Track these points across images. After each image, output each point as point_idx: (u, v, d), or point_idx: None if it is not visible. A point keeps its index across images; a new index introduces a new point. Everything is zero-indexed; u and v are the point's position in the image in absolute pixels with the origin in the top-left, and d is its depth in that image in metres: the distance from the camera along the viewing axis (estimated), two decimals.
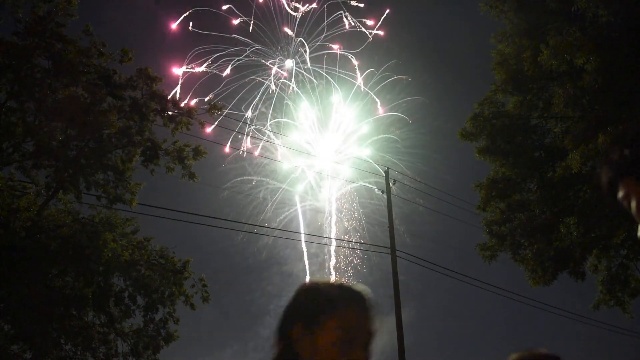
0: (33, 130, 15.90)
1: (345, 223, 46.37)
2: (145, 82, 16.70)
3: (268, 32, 47.11)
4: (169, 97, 17.02)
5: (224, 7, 45.29)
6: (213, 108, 17.60)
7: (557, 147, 14.04)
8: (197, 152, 17.11)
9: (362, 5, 46.33)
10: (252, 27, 45.63)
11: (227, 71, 44.06)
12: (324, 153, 45.13)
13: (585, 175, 12.98)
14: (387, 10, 46.55)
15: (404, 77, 46.31)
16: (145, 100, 16.83)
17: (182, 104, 17.46)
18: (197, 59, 43.44)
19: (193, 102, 27.96)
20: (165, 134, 17.04)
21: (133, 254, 18.36)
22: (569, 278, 15.36)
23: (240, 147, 41.42)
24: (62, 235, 16.86)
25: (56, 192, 16.72)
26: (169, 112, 16.74)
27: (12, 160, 16.23)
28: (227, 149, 40.03)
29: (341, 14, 46.38)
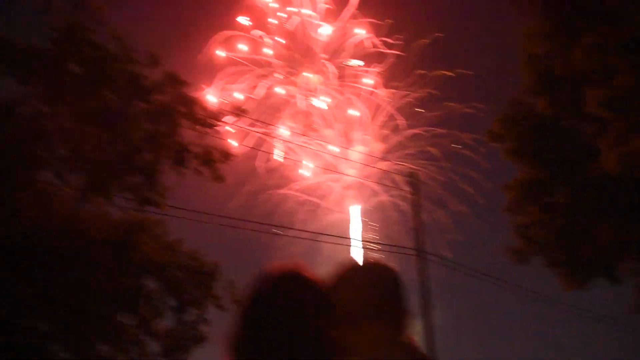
0: (67, 136, 16.33)
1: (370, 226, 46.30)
2: (174, 86, 16.93)
3: (294, 52, 47.49)
4: (199, 102, 17.23)
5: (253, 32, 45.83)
6: (239, 111, 17.79)
7: (591, 148, 13.69)
8: (225, 155, 17.27)
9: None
10: (275, 48, 46.09)
11: (258, 91, 44.54)
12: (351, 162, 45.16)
13: (621, 177, 12.62)
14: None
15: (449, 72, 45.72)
16: (173, 104, 17.08)
17: (213, 111, 17.62)
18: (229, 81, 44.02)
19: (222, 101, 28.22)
20: (195, 137, 17.27)
21: (164, 256, 18.69)
22: (602, 282, 14.98)
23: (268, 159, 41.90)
24: (96, 237, 17.30)
25: (88, 196, 17.10)
26: (199, 117, 16.94)
27: (48, 165, 16.67)
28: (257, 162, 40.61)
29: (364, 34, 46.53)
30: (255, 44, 47.32)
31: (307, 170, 45.76)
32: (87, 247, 17.12)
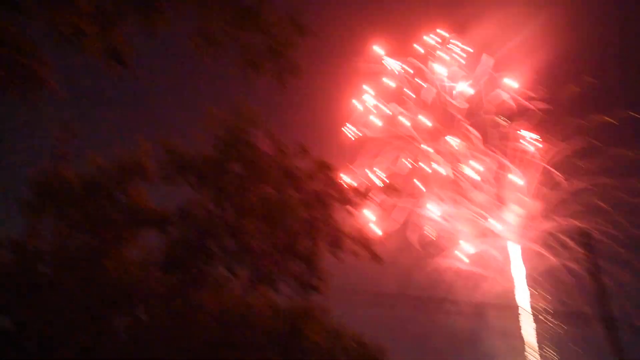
0: (233, 231, 17.61)
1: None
2: (324, 173, 17.64)
3: (433, 121, 47.64)
4: (347, 184, 17.71)
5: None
6: (392, 189, 17.89)
7: None
8: (380, 233, 17.31)
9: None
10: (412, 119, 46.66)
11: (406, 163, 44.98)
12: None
13: None
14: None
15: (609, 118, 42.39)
16: (325, 190, 17.73)
17: (362, 190, 17.97)
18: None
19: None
20: (349, 218, 17.62)
21: (330, 342, 18.71)
22: None
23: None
24: (264, 327, 17.96)
25: (256, 286, 17.99)
26: (349, 199, 17.34)
27: (219, 259, 17.97)
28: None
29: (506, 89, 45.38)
30: (390, 117, 48.25)
31: (464, 239, 44.01)
32: (258, 336, 17.81)
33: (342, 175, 18.11)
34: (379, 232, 17.84)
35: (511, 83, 46.21)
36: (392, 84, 48.40)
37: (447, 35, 47.42)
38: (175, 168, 17.31)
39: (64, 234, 17.92)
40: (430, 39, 48.16)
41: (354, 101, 48.39)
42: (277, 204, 17.15)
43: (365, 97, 48.24)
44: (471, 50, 47.36)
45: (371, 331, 20.42)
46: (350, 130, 47.81)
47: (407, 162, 47.24)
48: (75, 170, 17.90)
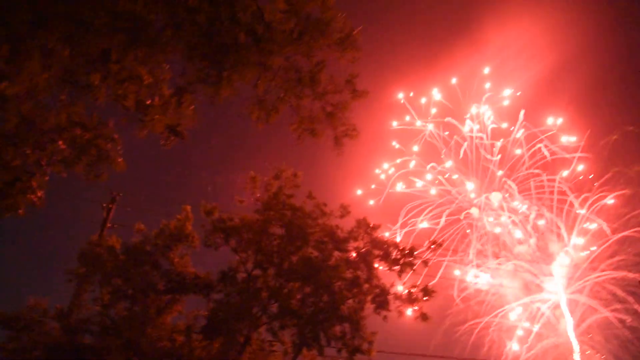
0: (275, 293, 17.41)
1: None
2: (366, 231, 17.48)
3: (470, 174, 47.38)
4: (391, 242, 17.46)
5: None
6: (436, 246, 17.57)
7: None
8: (426, 292, 16.82)
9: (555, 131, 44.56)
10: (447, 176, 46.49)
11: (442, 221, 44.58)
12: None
13: None
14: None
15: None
16: (368, 249, 17.50)
17: (406, 248, 17.68)
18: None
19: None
20: (393, 277, 17.26)
21: None
22: None
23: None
24: None
25: (301, 349, 17.56)
26: (393, 257, 17.05)
27: (261, 323, 17.70)
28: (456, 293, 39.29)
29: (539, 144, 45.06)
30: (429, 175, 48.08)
31: (511, 295, 42.44)
32: None
33: (385, 234, 17.93)
34: (429, 292, 17.23)
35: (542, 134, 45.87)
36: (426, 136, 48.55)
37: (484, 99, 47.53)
38: (217, 232, 17.43)
39: (108, 302, 18.04)
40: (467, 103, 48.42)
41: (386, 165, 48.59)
42: (319, 265, 16.95)
43: (403, 158, 48.45)
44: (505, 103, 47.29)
45: None
46: (389, 189, 47.73)
47: (445, 219, 46.65)
48: (121, 239, 18.23)
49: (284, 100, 8.17)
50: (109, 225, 20.90)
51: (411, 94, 49.34)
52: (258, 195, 17.39)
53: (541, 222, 44.40)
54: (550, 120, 45.40)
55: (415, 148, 48.23)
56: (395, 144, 48.87)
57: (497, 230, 45.50)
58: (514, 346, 42.38)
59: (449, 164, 48.12)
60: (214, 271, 18.11)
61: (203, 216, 17.49)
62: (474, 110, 47.42)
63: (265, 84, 8.06)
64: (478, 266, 43.96)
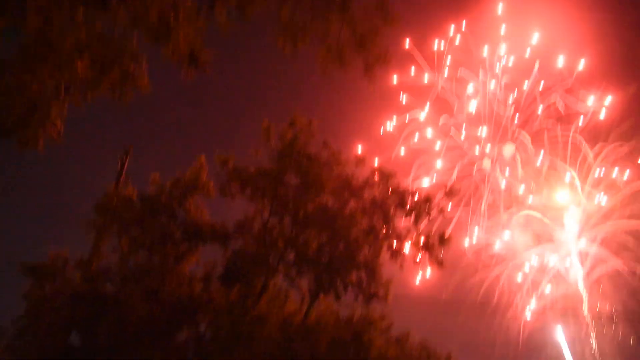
0: (292, 241, 17.55)
1: None
2: (383, 180, 17.43)
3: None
4: (406, 190, 17.43)
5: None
6: (451, 193, 17.54)
7: None
8: (442, 240, 16.89)
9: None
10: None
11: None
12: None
13: None
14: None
15: None
16: (384, 197, 17.49)
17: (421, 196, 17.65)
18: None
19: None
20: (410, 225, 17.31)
21: (394, 351, 18.35)
22: None
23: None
24: (326, 337, 17.75)
25: (317, 296, 17.83)
26: (409, 205, 17.05)
27: (278, 271, 17.92)
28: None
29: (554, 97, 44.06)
30: (441, 128, 47.39)
31: (523, 245, 42.52)
32: (320, 346, 17.61)
33: (400, 182, 17.83)
34: (445, 239, 17.29)
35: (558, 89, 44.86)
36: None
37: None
38: (233, 182, 17.43)
39: (127, 252, 18.30)
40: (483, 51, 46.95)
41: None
42: (335, 213, 17.00)
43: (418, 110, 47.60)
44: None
45: (435, 338, 19.91)
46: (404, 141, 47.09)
47: (459, 170, 46.26)
48: (137, 190, 18.29)
49: (311, 26, 7.82)
50: (123, 177, 20.94)
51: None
52: (273, 144, 17.28)
53: (554, 173, 44.07)
54: (561, 63, 44.03)
55: (425, 111, 47.26)
56: (402, 99, 47.89)
57: (508, 182, 45.27)
58: (524, 297, 42.89)
59: (460, 116, 47.47)
60: (229, 221, 18.25)
61: (218, 166, 17.48)
62: (487, 59, 46.33)
63: (290, 8, 7.73)
64: (489, 218, 44.03)
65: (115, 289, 17.86)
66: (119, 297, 17.41)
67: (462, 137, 46.32)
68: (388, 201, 17.18)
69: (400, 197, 17.34)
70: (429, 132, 45.60)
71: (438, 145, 45.93)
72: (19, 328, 16.47)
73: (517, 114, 45.91)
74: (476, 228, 42.17)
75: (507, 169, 45.24)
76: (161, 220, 18.11)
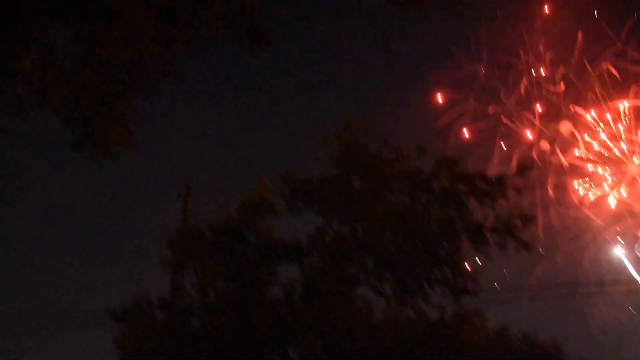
0: (367, 249, 17.06)
1: None
2: (449, 169, 16.79)
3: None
4: (476, 175, 16.71)
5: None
6: (523, 169, 16.66)
7: None
8: (525, 219, 15.99)
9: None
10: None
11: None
12: None
13: None
14: None
15: None
16: (453, 185, 16.82)
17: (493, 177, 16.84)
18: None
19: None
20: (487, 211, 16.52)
21: (491, 346, 17.41)
22: None
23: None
24: (419, 340, 17.02)
25: (403, 300, 17.19)
26: (482, 189, 16.30)
27: (360, 281, 17.41)
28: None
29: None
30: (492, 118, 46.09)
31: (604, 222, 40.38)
32: (413, 351, 16.90)
33: (466, 167, 17.09)
34: (528, 218, 16.38)
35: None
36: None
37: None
38: (297, 196, 17.22)
39: (206, 285, 18.30)
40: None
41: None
42: (406, 211, 16.45)
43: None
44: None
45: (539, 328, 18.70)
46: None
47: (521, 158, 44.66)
48: (205, 221, 18.36)
49: None
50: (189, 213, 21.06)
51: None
52: (332, 149, 16.96)
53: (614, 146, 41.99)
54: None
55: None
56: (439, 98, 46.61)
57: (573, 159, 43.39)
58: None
59: (509, 103, 45.97)
60: (299, 237, 17.90)
61: (281, 183, 17.29)
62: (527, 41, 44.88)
63: None
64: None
65: (201, 322, 17.85)
66: (206, 329, 17.38)
67: (514, 122, 44.90)
68: (459, 189, 16.47)
69: (471, 182, 16.61)
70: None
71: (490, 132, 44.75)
72: None
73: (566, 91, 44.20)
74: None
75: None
76: (234, 247, 18.06)
